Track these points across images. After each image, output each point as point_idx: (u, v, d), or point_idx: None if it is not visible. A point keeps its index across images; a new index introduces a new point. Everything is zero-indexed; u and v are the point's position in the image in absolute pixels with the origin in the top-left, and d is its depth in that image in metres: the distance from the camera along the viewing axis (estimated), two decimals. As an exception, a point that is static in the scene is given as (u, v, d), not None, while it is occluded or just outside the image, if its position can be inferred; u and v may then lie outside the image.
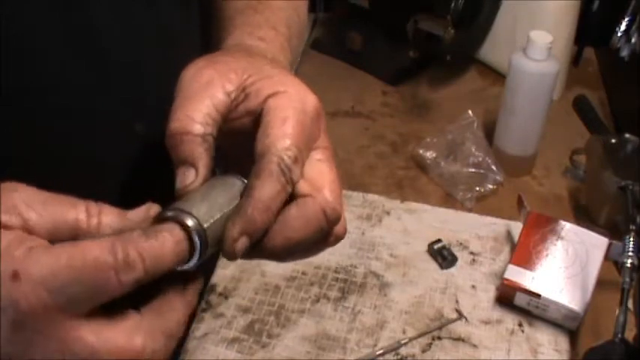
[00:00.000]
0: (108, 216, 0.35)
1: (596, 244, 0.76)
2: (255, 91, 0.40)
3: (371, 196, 0.91)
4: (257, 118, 0.40)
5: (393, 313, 0.77)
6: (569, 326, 0.74)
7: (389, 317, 0.76)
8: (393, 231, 0.86)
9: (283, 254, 0.39)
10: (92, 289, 0.32)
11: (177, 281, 0.36)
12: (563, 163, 0.96)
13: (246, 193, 0.37)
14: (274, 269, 0.80)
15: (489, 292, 0.79)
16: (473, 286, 0.80)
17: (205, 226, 0.35)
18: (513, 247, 0.81)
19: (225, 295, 0.78)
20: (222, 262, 0.81)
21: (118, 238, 0.33)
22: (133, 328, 0.33)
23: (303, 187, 0.39)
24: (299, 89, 0.40)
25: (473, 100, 1.07)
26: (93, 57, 0.49)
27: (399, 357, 0.72)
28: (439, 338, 0.74)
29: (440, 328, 0.75)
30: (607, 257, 0.76)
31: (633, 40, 0.96)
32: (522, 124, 0.91)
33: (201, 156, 0.38)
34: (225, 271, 0.80)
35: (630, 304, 0.64)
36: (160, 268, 0.33)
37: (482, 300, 0.78)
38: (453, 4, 0.98)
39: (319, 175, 0.39)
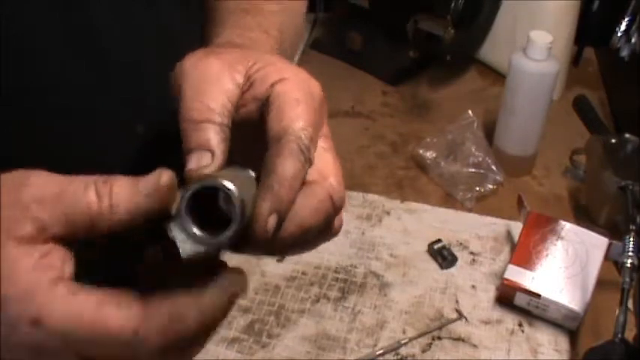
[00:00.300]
0: (119, 194, 0.34)
1: (596, 244, 0.76)
2: (261, 78, 0.40)
3: (371, 196, 0.91)
4: (263, 105, 0.39)
5: (393, 313, 0.77)
6: (569, 326, 0.74)
7: (389, 317, 0.76)
8: (393, 231, 0.86)
9: (294, 245, 0.38)
10: (105, 352, 0.32)
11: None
12: (563, 163, 0.96)
13: (267, 173, 0.36)
14: (274, 269, 0.80)
15: (489, 292, 0.79)
16: (473, 286, 0.80)
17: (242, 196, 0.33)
18: (513, 247, 0.81)
19: (225, 295, 0.78)
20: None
21: (146, 312, 0.32)
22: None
23: (310, 173, 0.39)
24: (302, 76, 0.40)
25: (473, 100, 1.07)
26: (93, 57, 0.49)
27: (399, 357, 0.72)
28: (439, 338, 0.74)
29: (440, 328, 0.75)
30: (607, 257, 0.76)
31: (633, 40, 0.96)
32: (522, 124, 0.91)
33: (219, 144, 0.37)
34: (225, 271, 0.80)
35: (630, 304, 0.64)
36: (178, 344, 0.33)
37: (482, 300, 0.78)
38: (453, 4, 0.98)
39: (325, 163, 0.39)
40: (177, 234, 0.33)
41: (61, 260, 0.33)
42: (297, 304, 0.77)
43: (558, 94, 1.06)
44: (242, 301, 0.77)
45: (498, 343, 0.74)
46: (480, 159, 0.91)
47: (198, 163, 0.37)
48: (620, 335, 0.62)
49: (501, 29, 1.10)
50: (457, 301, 0.78)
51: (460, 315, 0.76)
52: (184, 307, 0.33)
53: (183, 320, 0.33)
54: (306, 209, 0.37)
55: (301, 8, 0.62)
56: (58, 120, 0.48)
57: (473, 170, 0.91)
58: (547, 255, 0.76)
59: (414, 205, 0.90)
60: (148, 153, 0.53)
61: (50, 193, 0.33)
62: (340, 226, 0.41)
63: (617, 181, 0.80)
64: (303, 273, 0.81)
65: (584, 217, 0.88)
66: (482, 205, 0.91)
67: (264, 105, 0.39)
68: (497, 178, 0.91)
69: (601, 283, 0.74)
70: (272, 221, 0.35)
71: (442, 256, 0.82)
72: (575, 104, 1.00)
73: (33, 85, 0.46)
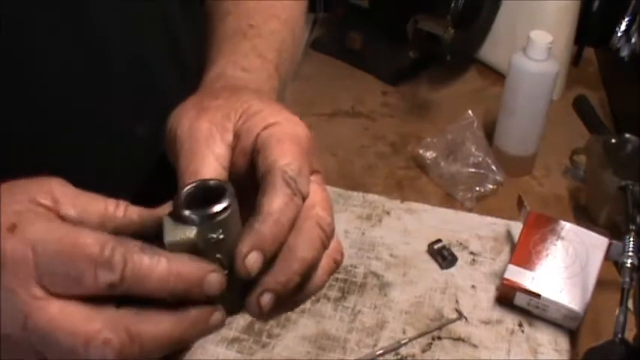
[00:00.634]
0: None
1: (596, 244, 0.76)
2: (247, 130, 0.40)
3: (371, 196, 0.91)
4: (251, 156, 0.40)
5: (393, 313, 0.77)
6: (569, 326, 0.74)
7: (389, 317, 0.76)
8: (393, 231, 0.86)
9: (301, 282, 0.37)
10: (70, 271, 0.32)
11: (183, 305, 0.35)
12: (563, 163, 0.96)
13: (254, 212, 0.36)
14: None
15: (489, 292, 0.79)
16: (473, 286, 0.80)
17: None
18: (513, 247, 0.81)
19: (225, 295, 0.78)
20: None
21: (115, 238, 0.33)
22: (98, 314, 0.33)
23: None
24: (289, 119, 0.41)
25: (473, 100, 1.07)
26: (93, 57, 0.49)
27: (399, 357, 0.72)
28: (439, 338, 0.74)
29: (440, 328, 0.75)
30: (607, 257, 0.76)
31: (633, 40, 0.96)
32: (522, 124, 0.91)
33: None
34: (225, 271, 0.80)
35: (630, 304, 0.64)
36: (139, 284, 0.33)
37: (482, 300, 0.78)
38: (453, 4, 0.98)
39: (311, 194, 0.39)
40: (166, 223, 0.35)
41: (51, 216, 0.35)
42: (297, 304, 0.77)
43: (558, 94, 1.06)
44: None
45: (498, 343, 0.74)
46: (480, 159, 0.91)
47: None
48: (620, 335, 0.62)
49: (501, 29, 1.10)
50: (457, 301, 0.78)
51: (460, 315, 0.76)
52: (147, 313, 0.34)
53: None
54: (299, 241, 0.37)
55: (302, 9, 0.62)
56: (58, 120, 0.48)
57: (473, 170, 0.91)
58: (547, 255, 0.76)
59: (414, 205, 0.90)
60: (149, 154, 0.53)
61: (73, 191, 0.37)
62: (341, 260, 0.41)
63: (617, 181, 0.80)
64: (303, 273, 0.81)
65: (584, 217, 0.88)
66: (483, 205, 0.91)
67: (254, 154, 0.40)
68: (497, 178, 0.91)
69: (601, 283, 0.74)
70: (252, 259, 0.35)
71: (442, 256, 0.82)
72: (575, 104, 1.00)
73: (33, 84, 0.46)
